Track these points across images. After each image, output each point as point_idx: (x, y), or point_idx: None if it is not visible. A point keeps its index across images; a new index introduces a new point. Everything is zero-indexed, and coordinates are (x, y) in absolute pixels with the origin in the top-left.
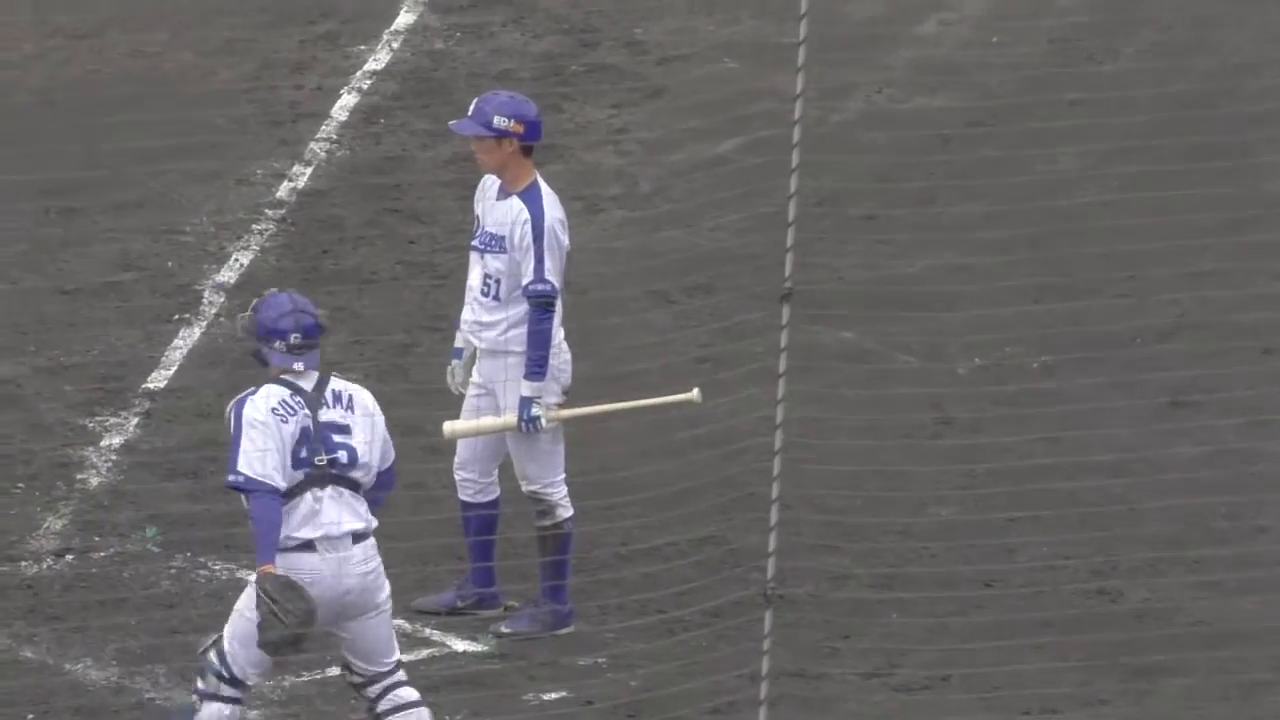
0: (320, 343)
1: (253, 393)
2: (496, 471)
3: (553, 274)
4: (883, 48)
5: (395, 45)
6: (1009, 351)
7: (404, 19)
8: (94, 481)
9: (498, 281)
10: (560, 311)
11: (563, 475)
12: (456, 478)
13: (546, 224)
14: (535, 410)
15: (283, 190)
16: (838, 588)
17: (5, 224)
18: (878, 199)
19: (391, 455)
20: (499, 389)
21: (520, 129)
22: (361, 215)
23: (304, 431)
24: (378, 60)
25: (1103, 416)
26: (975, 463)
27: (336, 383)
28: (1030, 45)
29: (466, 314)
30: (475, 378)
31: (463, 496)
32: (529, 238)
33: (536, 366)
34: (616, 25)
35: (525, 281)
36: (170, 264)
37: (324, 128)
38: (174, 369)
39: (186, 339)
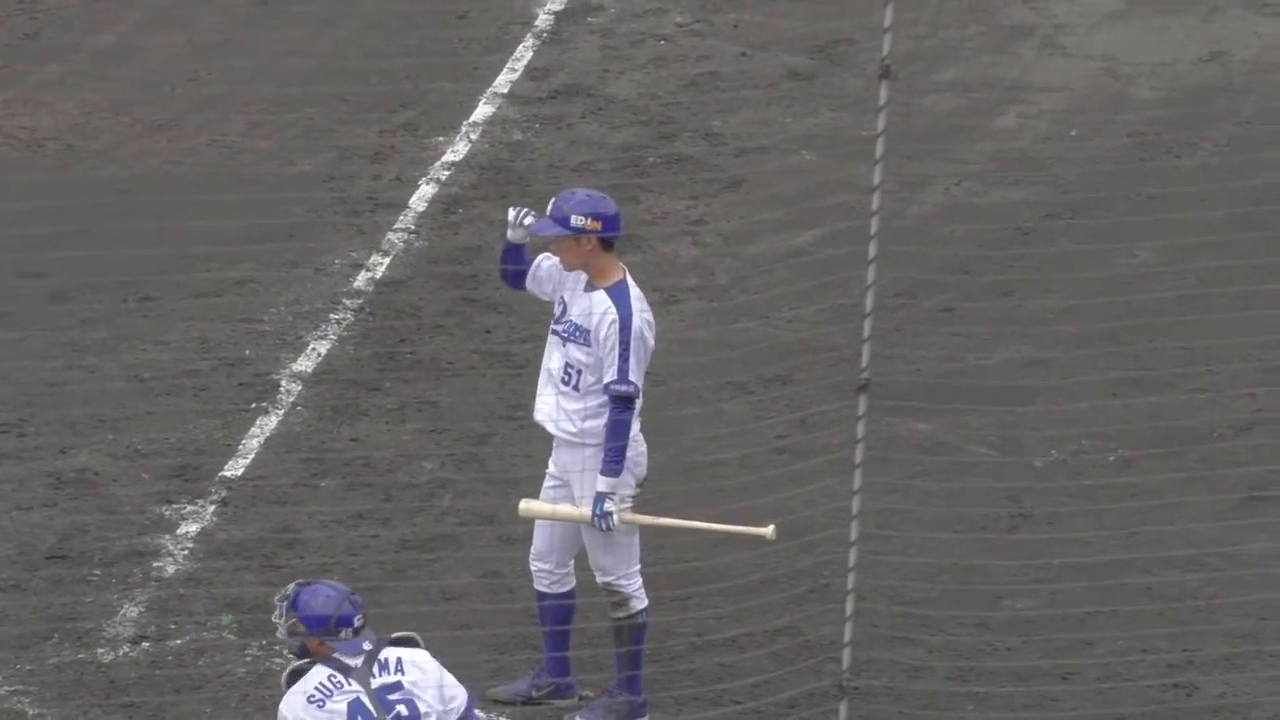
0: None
1: (298, 679)
2: (572, 563)
3: (636, 374)
4: (961, 140)
5: (474, 136)
6: (1086, 445)
7: (483, 110)
8: (170, 569)
9: (579, 372)
10: (639, 406)
11: (637, 567)
12: (533, 568)
13: (635, 325)
14: (609, 506)
15: (360, 280)
16: (913, 680)
17: (84, 312)
18: (955, 291)
19: (461, 695)
20: (574, 480)
21: (598, 226)
22: (439, 305)
23: (353, 705)
24: (456, 151)
25: (1179, 510)
26: (1052, 556)
27: (387, 651)
28: (1109, 139)
29: (544, 399)
30: (551, 469)
31: (539, 587)
32: (615, 337)
33: (613, 460)
34: (694, 117)
35: (608, 379)
36: (248, 352)
37: (402, 218)
38: (250, 457)
39: (263, 427)
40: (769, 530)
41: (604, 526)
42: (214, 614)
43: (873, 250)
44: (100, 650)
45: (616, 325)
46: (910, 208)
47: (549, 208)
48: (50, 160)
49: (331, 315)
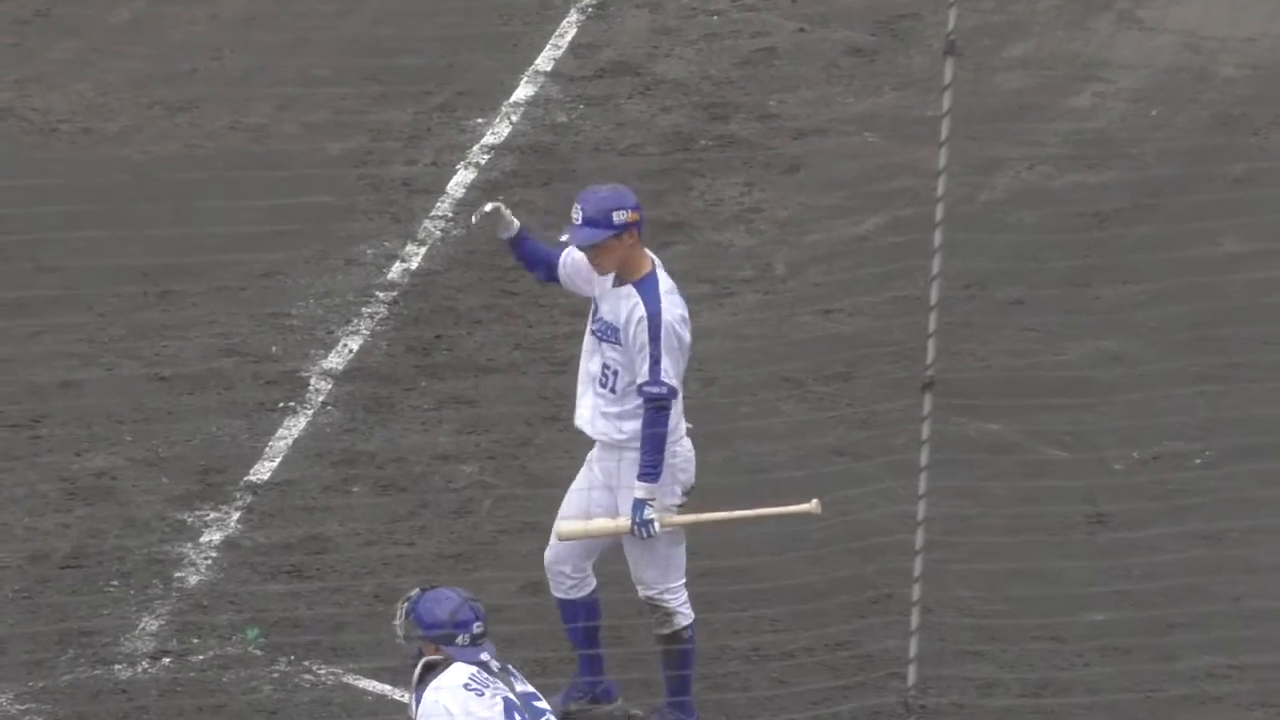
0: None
1: (438, 675)
2: (591, 565)
3: (670, 374)
4: (1034, 121)
5: (515, 118)
6: (1167, 445)
7: (524, 90)
8: (192, 580)
9: (615, 373)
10: (680, 407)
11: (683, 580)
12: (550, 573)
13: (665, 321)
14: (649, 513)
15: (394, 271)
16: (984, 696)
17: (100, 307)
18: (1027, 281)
19: None
20: (616, 488)
21: (637, 216)
22: (478, 298)
23: (508, 703)
24: (496, 134)
25: (1269, 515)
26: (1131, 564)
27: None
28: (1190, 118)
29: (583, 403)
30: (595, 473)
31: (558, 594)
32: (644, 335)
33: (650, 468)
34: (749, 97)
35: (640, 381)
36: (275, 349)
37: (439, 205)
38: (278, 461)
39: (291, 429)
40: (813, 505)
41: (645, 534)
42: (239, 628)
43: (938, 238)
44: (118, 666)
45: (645, 322)
46: (979, 193)
47: (575, 214)
48: (65, 144)
49: (363, 309)
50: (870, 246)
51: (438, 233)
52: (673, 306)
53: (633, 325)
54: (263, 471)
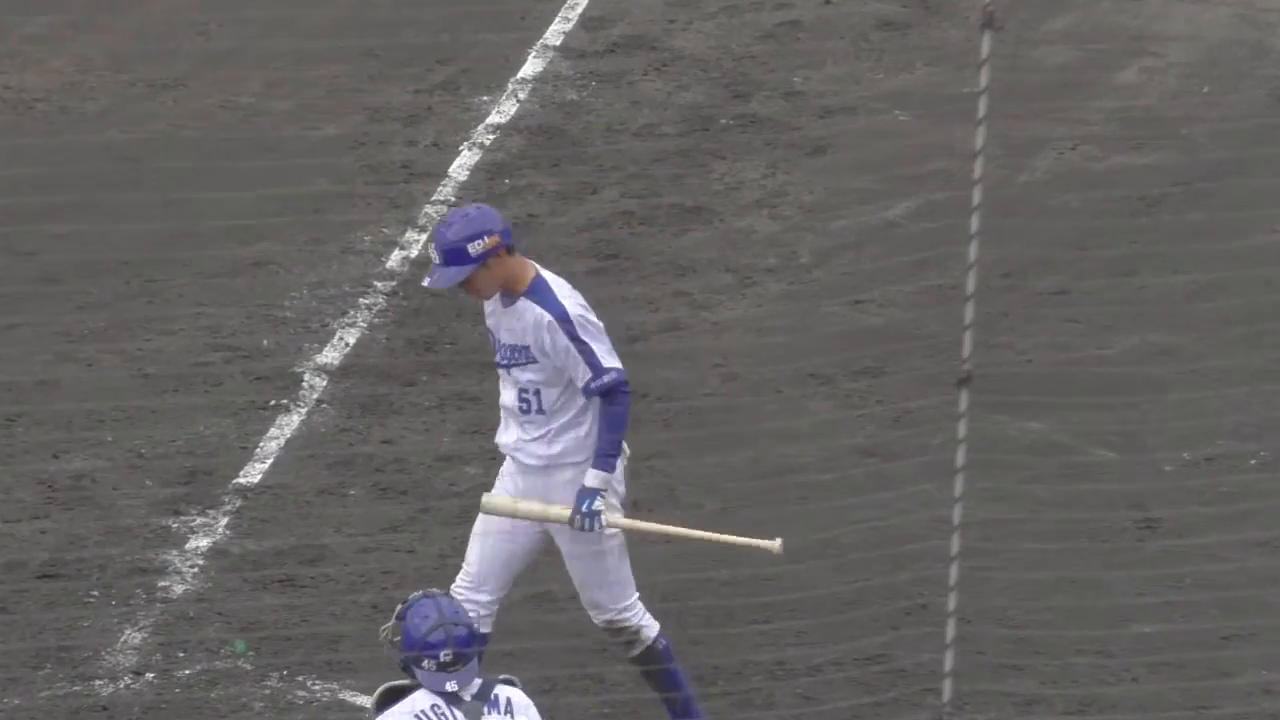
0: (475, 653)
1: (394, 701)
2: (500, 598)
3: (609, 358)
4: (1077, 98)
5: (522, 95)
6: (1221, 445)
7: (532, 66)
8: (178, 590)
9: (536, 393)
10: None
11: (635, 594)
12: (459, 597)
13: (573, 314)
14: (598, 504)
15: (394, 259)
16: (1025, 714)
17: (80, 296)
18: (1070, 270)
19: None
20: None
21: (496, 239)
22: None
23: None
24: (502, 112)
25: None
26: (1183, 572)
27: (498, 689)
28: (1245, 95)
29: (504, 437)
30: (510, 486)
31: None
32: (563, 338)
33: (609, 451)
34: (772, 73)
35: (584, 381)
36: (266, 343)
37: (441, 189)
38: (269, 462)
39: (284, 428)
40: (776, 544)
41: (586, 526)
42: (227, 640)
43: (975, 224)
44: (98, 682)
45: (556, 326)
46: (1018, 175)
47: (433, 253)
48: (41, 124)
49: (361, 300)
50: (902, 233)
51: (439, 219)
52: (569, 297)
53: (544, 334)
54: (253, 474)
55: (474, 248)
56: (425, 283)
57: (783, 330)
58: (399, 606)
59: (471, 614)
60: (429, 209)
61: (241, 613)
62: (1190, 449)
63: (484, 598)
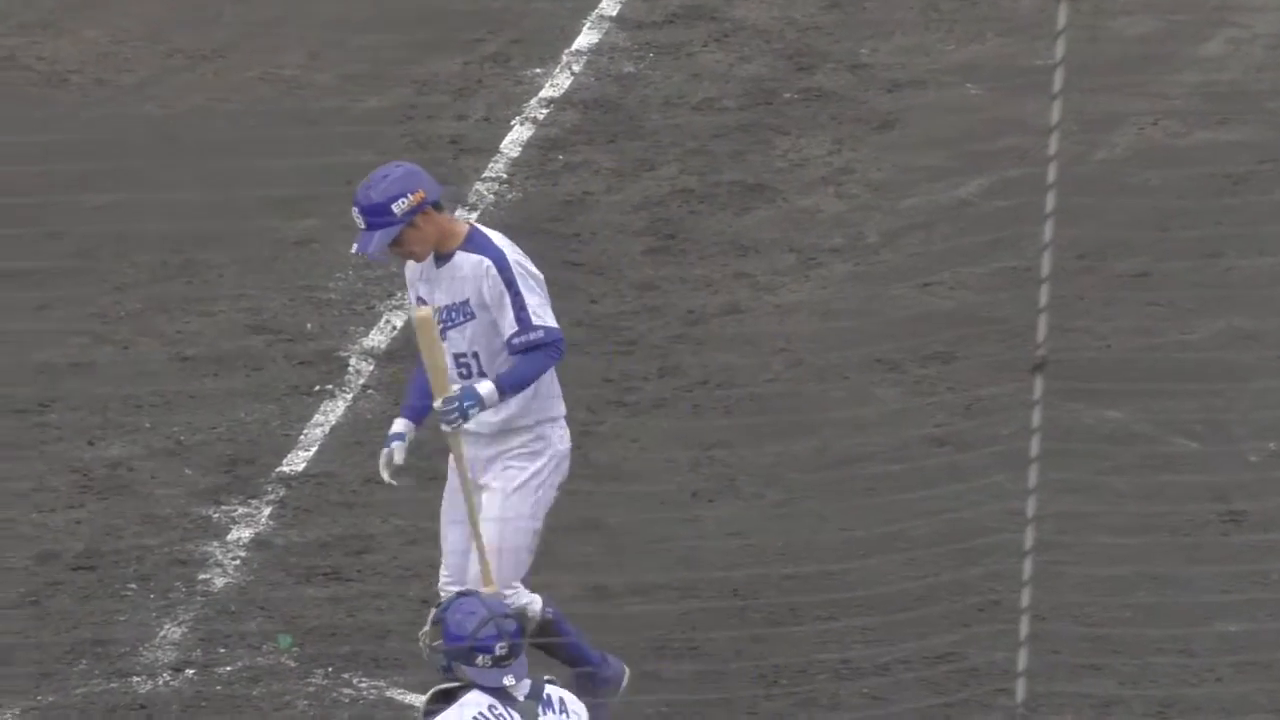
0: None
1: (446, 703)
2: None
3: (541, 315)
4: (1158, 71)
5: (576, 68)
6: None
7: (587, 37)
8: (219, 583)
9: (474, 355)
10: (557, 388)
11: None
12: (446, 592)
13: (510, 259)
14: (474, 412)
15: None
16: (1103, 715)
17: (116, 278)
18: (1151, 252)
19: None
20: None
21: (421, 195)
22: (536, 268)
23: None
24: (555, 86)
25: None
26: (1269, 567)
27: (549, 688)
28: None
29: (441, 403)
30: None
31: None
32: (499, 284)
33: (510, 383)
34: (838, 45)
35: (509, 333)
36: (310, 326)
37: (492, 165)
38: (313, 450)
39: (328, 414)
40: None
41: (449, 422)
42: (270, 635)
43: (1050, 203)
44: (136, 678)
45: (494, 270)
46: (1095, 152)
47: (357, 218)
48: (75, 97)
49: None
50: (974, 212)
51: (490, 196)
52: (514, 250)
53: (484, 281)
54: (296, 462)
55: (399, 206)
56: (353, 249)
57: (849, 314)
58: (433, 610)
59: None
60: (480, 186)
61: (285, 606)
62: (1277, 439)
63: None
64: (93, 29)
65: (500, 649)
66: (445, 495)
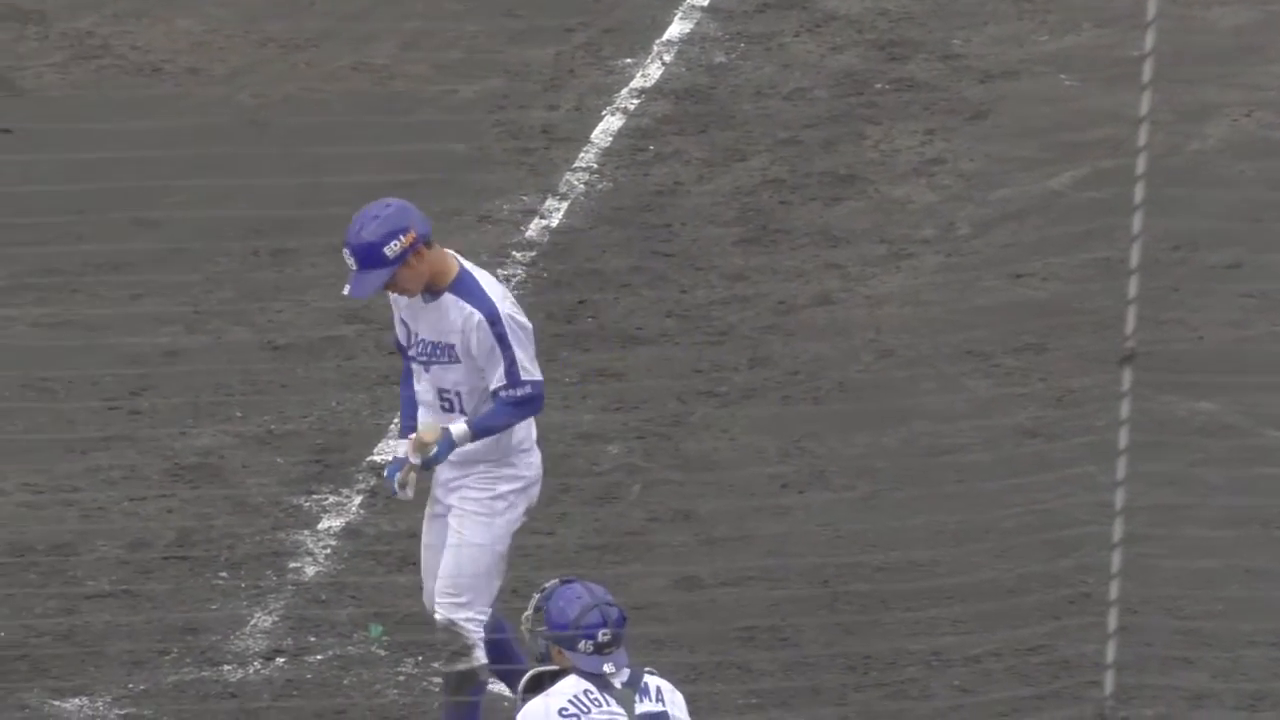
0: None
1: (541, 688)
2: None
3: (529, 370)
4: (1253, 61)
5: (667, 58)
6: None
7: (678, 27)
8: (309, 571)
9: (458, 394)
10: (534, 425)
11: (486, 614)
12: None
13: (502, 313)
14: (443, 458)
15: (533, 229)
16: (1194, 709)
17: (208, 267)
18: (1244, 243)
19: None
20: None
21: (413, 236)
22: (626, 259)
23: None
24: (646, 75)
25: None
26: None
27: (647, 677)
28: None
29: (425, 421)
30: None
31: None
32: (490, 339)
33: (485, 425)
34: (931, 35)
35: (496, 386)
36: None
37: (582, 155)
38: None
39: None
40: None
41: (418, 457)
42: (361, 624)
43: (1139, 194)
44: (227, 667)
45: (485, 326)
46: (1189, 143)
47: (347, 258)
48: (168, 86)
49: (499, 271)
50: (1066, 203)
51: (581, 186)
52: (496, 292)
53: (472, 333)
54: (387, 451)
55: (390, 248)
56: (345, 291)
57: (940, 304)
58: (536, 596)
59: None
60: (570, 176)
61: (375, 595)
62: None
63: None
64: (186, 18)
65: (603, 636)
66: (425, 520)
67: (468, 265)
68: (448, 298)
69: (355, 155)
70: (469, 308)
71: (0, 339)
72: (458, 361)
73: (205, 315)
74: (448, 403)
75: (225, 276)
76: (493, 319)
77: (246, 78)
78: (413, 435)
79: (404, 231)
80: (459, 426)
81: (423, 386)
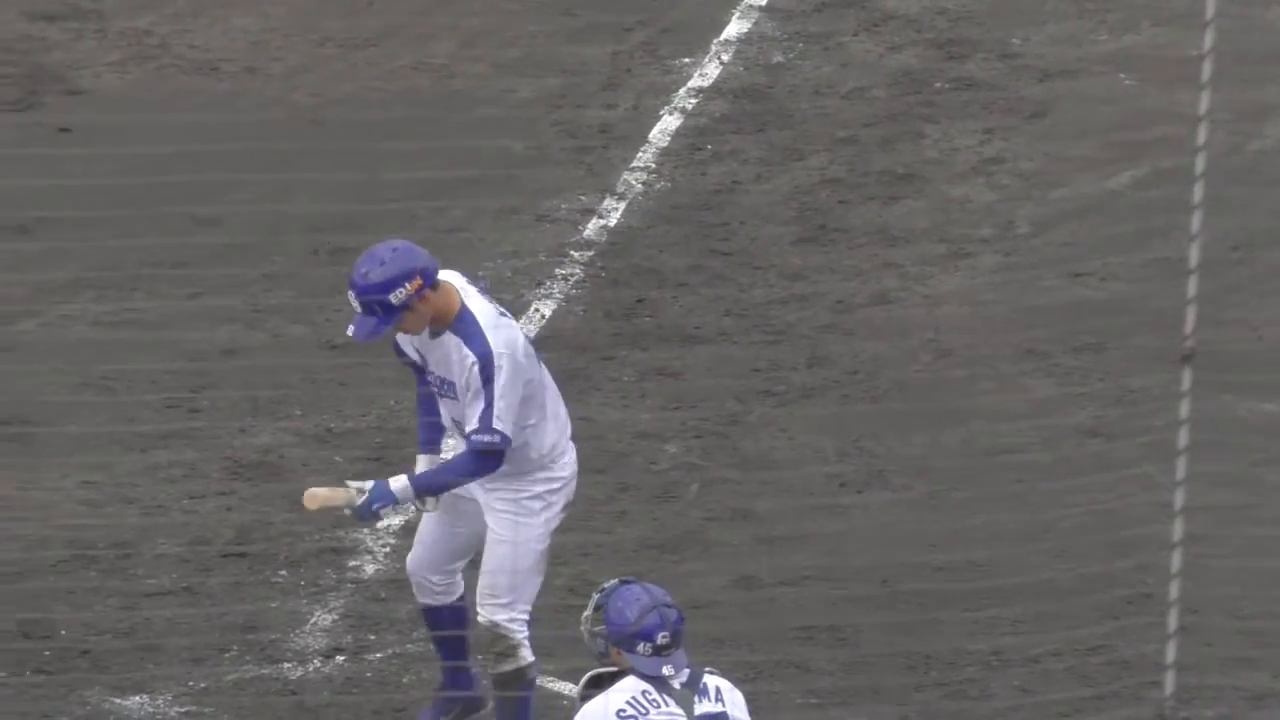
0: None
1: (600, 688)
2: (458, 571)
3: (503, 420)
4: None
5: (725, 57)
6: None
7: (736, 27)
8: (369, 569)
9: (459, 428)
10: (565, 422)
11: (528, 612)
12: (413, 581)
13: (496, 357)
14: (385, 512)
15: (591, 229)
16: (1255, 709)
17: (267, 266)
18: None
19: None
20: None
21: (419, 281)
22: (684, 258)
23: None
24: (704, 75)
25: None
26: None
27: (706, 678)
28: None
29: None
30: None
31: (424, 600)
32: (477, 381)
33: (431, 482)
34: (990, 34)
35: (469, 429)
36: None
37: (640, 155)
38: None
39: None
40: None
41: (363, 517)
42: (419, 623)
43: (1198, 193)
44: (287, 665)
45: (476, 367)
46: (1249, 142)
47: (352, 300)
48: (226, 85)
49: (557, 270)
50: (1125, 202)
51: (639, 185)
52: (496, 334)
53: (465, 374)
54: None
55: (396, 297)
56: (349, 332)
57: (999, 303)
58: (595, 595)
59: (428, 591)
60: (628, 175)
61: None
62: None
63: (433, 576)
64: (243, 17)
65: (662, 638)
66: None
67: (471, 300)
68: (450, 339)
69: (414, 153)
70: (466, 350)
71: (60, 337)
72: (458, 399)
73: (264, 313)
74: (456, 433)
75: (284, 274)
76: (484, 362)
77: (304, 77)
78: (308, 491)
79: (409, 278)
80: (399, 481)
81: (443, 413)
